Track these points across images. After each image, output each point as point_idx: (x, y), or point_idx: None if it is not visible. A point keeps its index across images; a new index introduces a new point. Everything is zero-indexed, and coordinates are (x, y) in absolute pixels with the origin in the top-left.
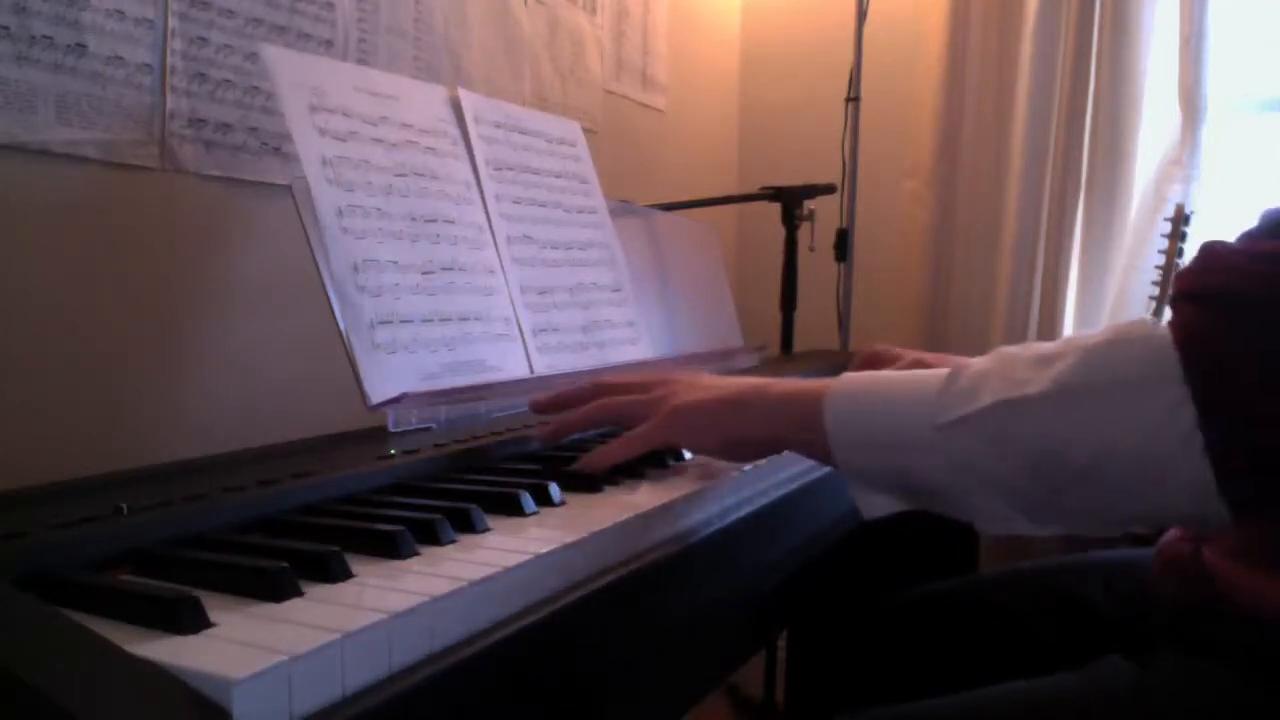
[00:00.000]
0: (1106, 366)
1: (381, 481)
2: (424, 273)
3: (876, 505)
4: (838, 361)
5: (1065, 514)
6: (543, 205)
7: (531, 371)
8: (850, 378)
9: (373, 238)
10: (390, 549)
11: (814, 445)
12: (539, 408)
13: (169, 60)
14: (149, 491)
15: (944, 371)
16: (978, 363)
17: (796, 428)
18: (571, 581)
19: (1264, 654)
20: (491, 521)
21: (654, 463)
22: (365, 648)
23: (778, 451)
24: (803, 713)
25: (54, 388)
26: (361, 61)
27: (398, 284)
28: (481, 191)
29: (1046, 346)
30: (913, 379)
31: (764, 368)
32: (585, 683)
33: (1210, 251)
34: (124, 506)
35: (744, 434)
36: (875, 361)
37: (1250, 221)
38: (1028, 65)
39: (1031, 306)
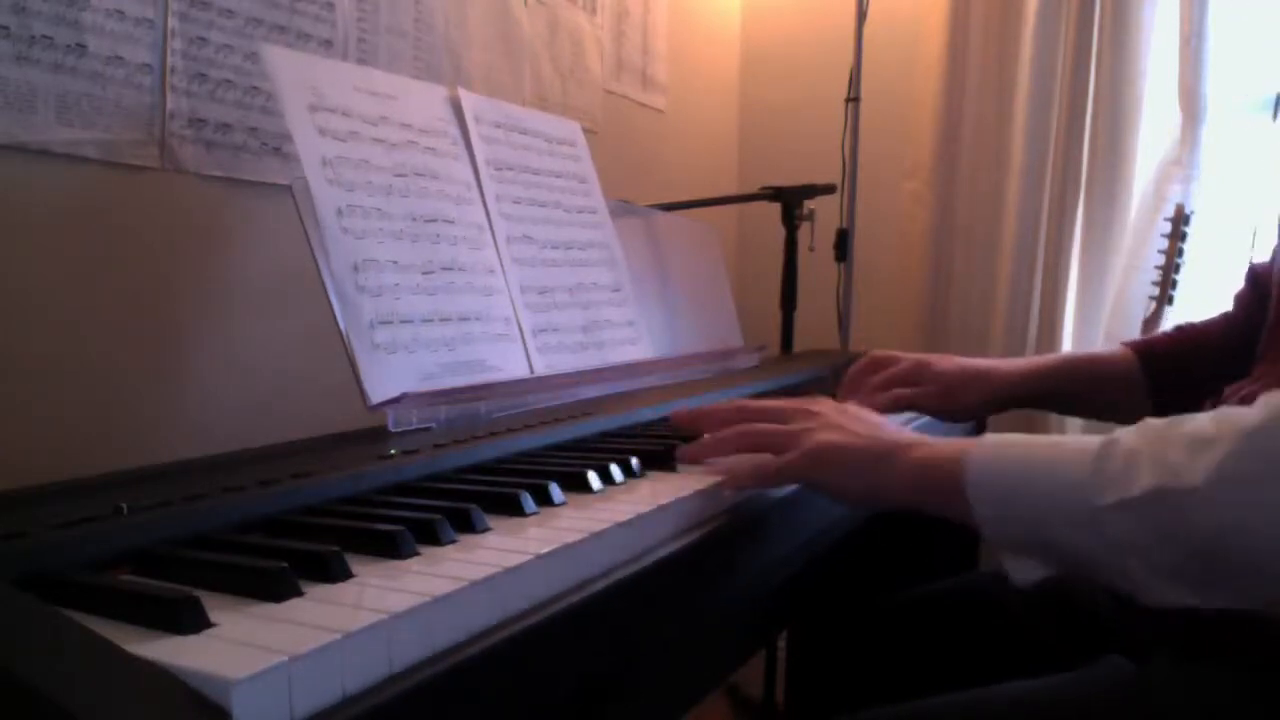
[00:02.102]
0: (1271, 456)
1: (381, 481)
2: (424, 273)
3: (1026, 569)
4: (838, 361)
5: (1235, 595)
6: (543, 205)
7: (531, 371)
8: (991, 444)
9: (373, 238)
10: (390, 549)
11: (956, 513)
12: (681, 421)
13: (169, 60)
14: (149, 491)
15: (1094, 446)
16: (1126, 437)
17: (937, 496)
18: (571, 583)
19: (1261, 654)
20: (491, 521)
21: (657, 464)
22: (365, 648)
23: (914, 512)
24: (803, 713)
25: (54, 388)
26: (361, 61)
27: (398, 284)
28: (481, 191)
29: (1198, 423)
30: (1058, 451)
31: (764, 368)
32: (586, 683)
33: None
34: (124, 506)
35: (883, 491)
36: (872, 367)
37: (1250, 222)
38: (1028, 65)
39: (1031, 306)
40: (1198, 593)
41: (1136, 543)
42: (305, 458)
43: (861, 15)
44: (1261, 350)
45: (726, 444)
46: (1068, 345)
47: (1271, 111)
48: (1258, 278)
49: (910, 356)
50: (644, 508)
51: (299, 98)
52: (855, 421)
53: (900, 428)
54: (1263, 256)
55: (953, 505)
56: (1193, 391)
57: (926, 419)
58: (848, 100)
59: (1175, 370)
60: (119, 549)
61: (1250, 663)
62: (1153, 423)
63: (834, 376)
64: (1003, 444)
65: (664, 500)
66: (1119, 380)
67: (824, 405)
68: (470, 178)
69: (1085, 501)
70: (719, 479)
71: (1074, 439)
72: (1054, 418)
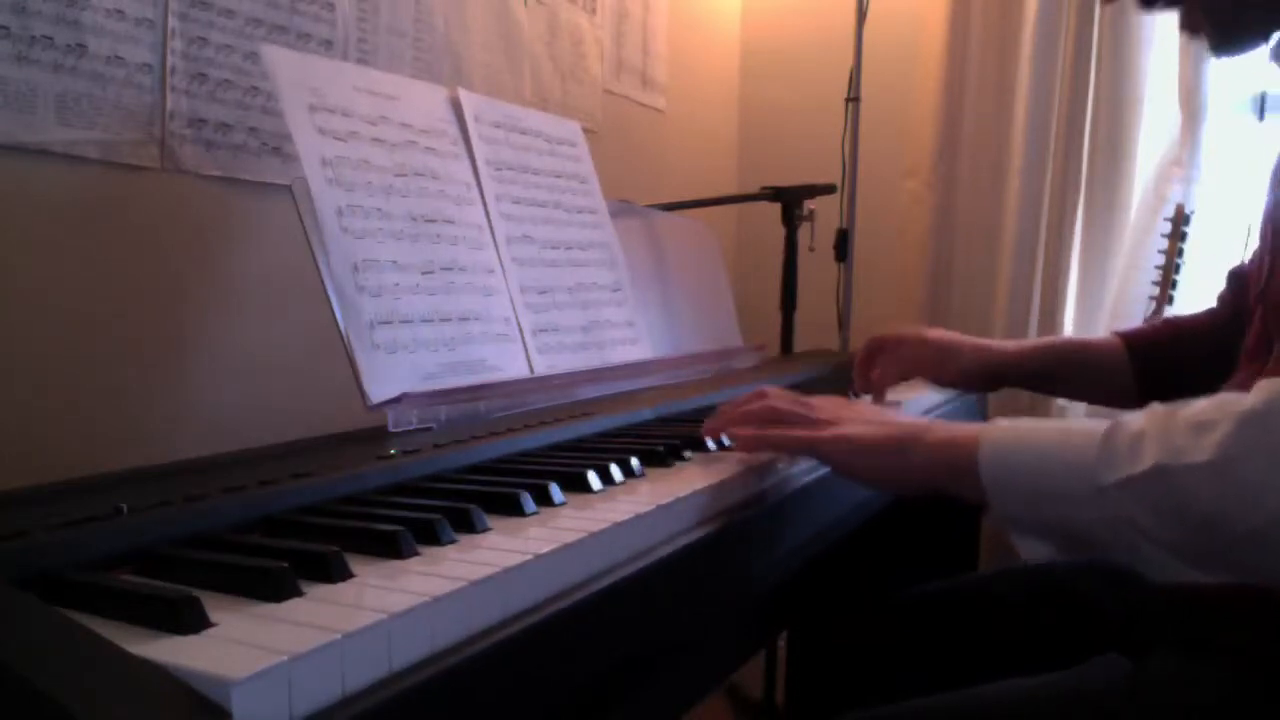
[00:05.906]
0: (1266, 438)
1: (381, 481)
2: (424, 273)
3: (1036, 550)
4: (838, 361)
5: (1234, 568)
6: (543, 205)
7: (531, 371)
8: (1003, 429)
9: (373, 238)
10: (390, 549)
11: (970, 493)
12: (712, 431)
13: (169, 60)
14: (149, 491)
15: (1100, 429)
16: (1133, 421)
17: (952, 476)
18: (571, 582)
19: (1259, 652)
20: (492, 521)
21: (657, 464)
22: (365, 648)
23: (936, 494)
24: (803, 713)
25: (54, 387)
26: (361, 61)
27: (398, 284)
28: (481, 191)
29: (1199, 408)
30: (1067, 434)
31: (764, 368)
32: (586, 682)
33: None
34: (124, 506)
35: (903, 475)
36: (876, 351)
37: (1250, 222)
38: (1028, 65)
39: (1031, 306)
40: (1199, 566)
41: (1139, 518)
42: (305, 458)
43: (861, 15)
44: (1243, 352)
45: (751, 418)
46: None
47: (1258, 111)
48: (1237, 279)
49: (911, 331)
50: (644, 508)
51: (299, 98)
52: (874, 414)
53: (915, 417)
54: None
55: (967, 486)
56: (1177, 380)
57: (949, 406)
58: (848, 100)
59: (1161, 359)
60: (119, 549)
61: (1247, 659)
62: (1158, 408)
63: (834, 377)
64: (1016, 427)
65: (664, 500)
66: (1106, 367)
67: (840, 401)
68: (470, 178)
69: (1092, 480)
70: (719, 479)
71: (1083, 423)
72: (1056, 404)
